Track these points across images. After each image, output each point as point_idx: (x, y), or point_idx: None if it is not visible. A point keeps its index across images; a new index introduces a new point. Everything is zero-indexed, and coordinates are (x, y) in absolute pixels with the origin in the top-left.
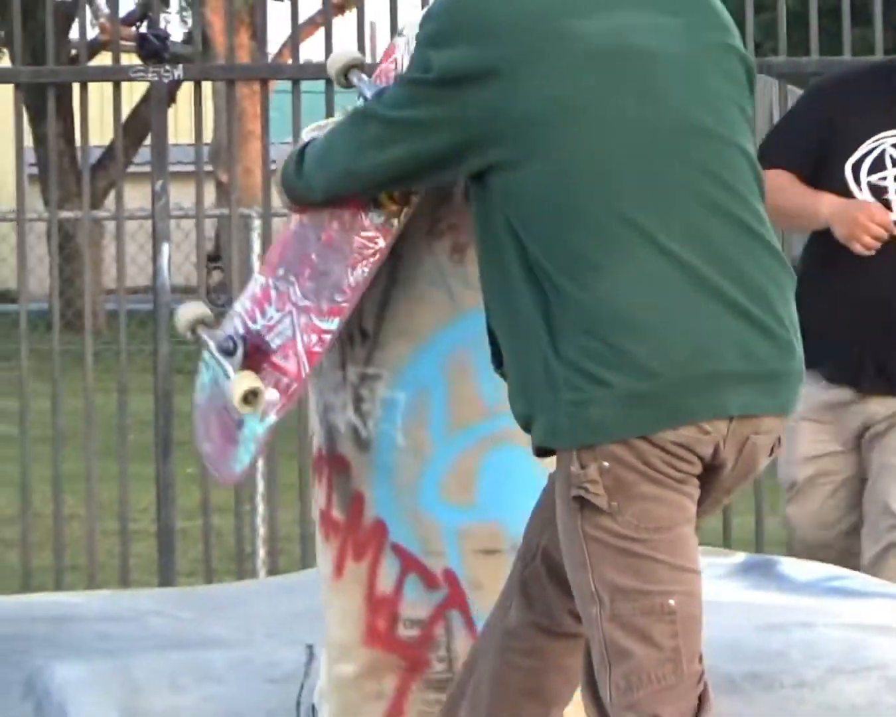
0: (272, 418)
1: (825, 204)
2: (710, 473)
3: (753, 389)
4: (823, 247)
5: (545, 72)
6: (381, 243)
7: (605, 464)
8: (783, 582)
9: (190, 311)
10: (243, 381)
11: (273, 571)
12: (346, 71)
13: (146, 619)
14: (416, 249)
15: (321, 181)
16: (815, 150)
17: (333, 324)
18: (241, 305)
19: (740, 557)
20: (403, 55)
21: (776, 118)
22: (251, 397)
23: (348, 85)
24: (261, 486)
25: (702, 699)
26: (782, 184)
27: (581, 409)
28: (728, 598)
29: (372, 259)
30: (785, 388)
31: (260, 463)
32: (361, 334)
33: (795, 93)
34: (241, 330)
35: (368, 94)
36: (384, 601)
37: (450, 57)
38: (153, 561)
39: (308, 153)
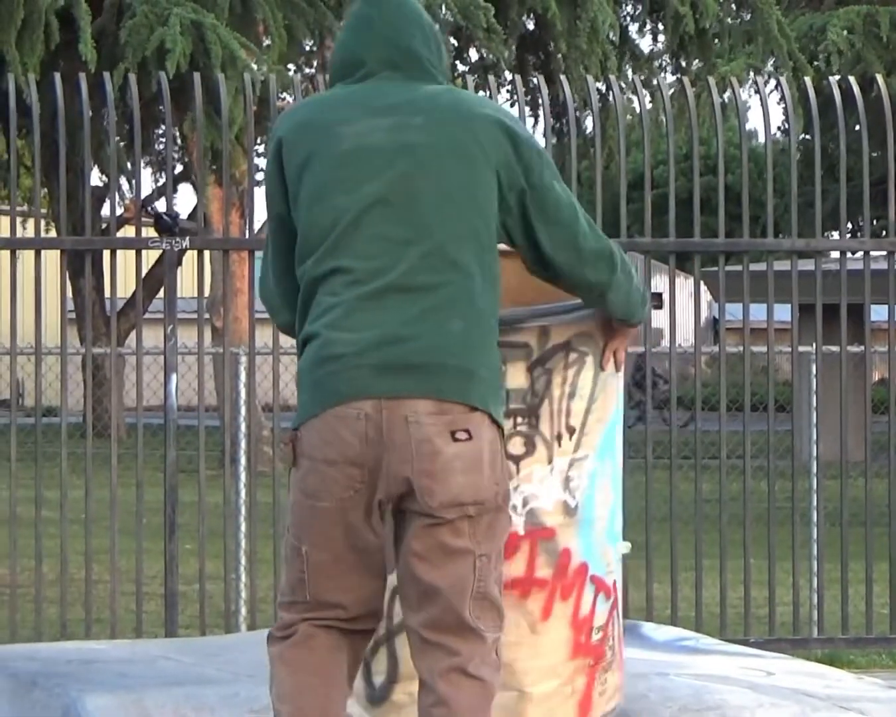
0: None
1: None
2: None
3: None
4: None
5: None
6: None
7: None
8: (645, 641)
9: None
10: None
11: (252, 626)
12: None
13: (156, 662)
14: None
15: None
16: None
17: None
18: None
19: None
20: None
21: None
22: None
23: None
24: (243, 560)
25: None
26: None
27: None
28: None
29: None
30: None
31: (243, 542)
32: (569, 432)
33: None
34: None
35: None
36: (584, 621)
37: None
38: (160, 617)
39: None
